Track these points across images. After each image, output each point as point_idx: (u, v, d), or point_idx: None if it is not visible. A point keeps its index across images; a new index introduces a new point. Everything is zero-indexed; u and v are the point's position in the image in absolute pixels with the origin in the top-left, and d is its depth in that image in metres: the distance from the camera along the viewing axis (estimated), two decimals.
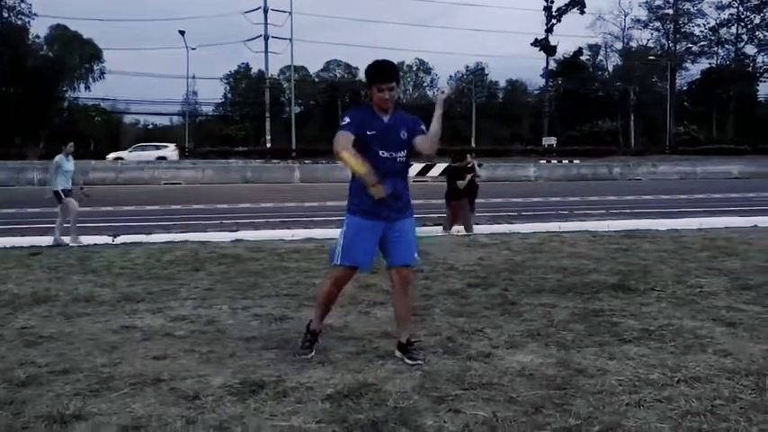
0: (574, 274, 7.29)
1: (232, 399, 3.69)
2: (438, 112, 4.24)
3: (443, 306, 5.85)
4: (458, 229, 12.17)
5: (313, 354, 4.40)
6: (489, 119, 79.19)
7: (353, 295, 6.02)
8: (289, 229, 12.08)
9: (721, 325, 5.16)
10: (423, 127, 4.37)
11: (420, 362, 4.23)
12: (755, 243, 9.62)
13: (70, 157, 11.15)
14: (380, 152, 4.24)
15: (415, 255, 4.45)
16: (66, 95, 72.77)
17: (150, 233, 11.68)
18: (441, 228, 12.30)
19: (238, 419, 3.41)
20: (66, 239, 10.62)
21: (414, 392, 3.76)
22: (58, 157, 11.10)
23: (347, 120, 4.24)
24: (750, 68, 78.24)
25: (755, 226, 12.15)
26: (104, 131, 73.50)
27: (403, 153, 4.33)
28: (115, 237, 11.10)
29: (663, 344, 4.67)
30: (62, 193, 10.82)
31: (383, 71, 4.28)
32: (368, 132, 4.21)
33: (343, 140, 4.13)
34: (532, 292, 6.45)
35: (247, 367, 4.23)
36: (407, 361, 4.26)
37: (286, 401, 3.65)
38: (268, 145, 59.83)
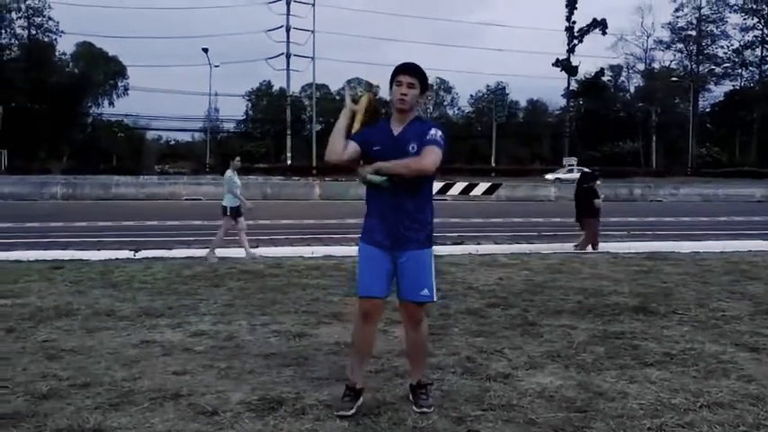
0: (594, 296, 7.24)
1: (251, 415, 3.69)
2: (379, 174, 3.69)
3: (462, 326, 5.82)
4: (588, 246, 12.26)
5: (354, 411, 3.73)
6: (509, 138, 79.19)
7: None
8: (308, 245, 12.11)
9: (744, 350, 5.09)
10: (430, 139, 3.73)
11: (426, 410, 3.77)
12: None
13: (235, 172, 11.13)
14: None
15: (426, 291, 3.85)
16: (91, 111, 73.92)
17: (171, 248, 11.75)
18: (574, 245, 12.39)
19: None
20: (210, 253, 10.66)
21: (433, 413, 3.74)
22: (229, 173, 11.06)
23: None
24: None
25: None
26: (127, 147, 74.32)
27: None
28: (136, 251, 11.17)
29: (685, 368, 4.61)
30: (228, 210, 10.97)
31: (405, 65, 3.83)
32: (373, 147, 3.77)
33: (333, 134, 3.83)
34: (552, 313, 6.41)
35: (266, 384, 4.23)
36: (414, 408, 3.82)
37: (305, 419, 3.65)
38: (289, 162, 60.14)
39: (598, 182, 12.77)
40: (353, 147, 3.82)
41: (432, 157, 3.70)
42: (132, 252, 11.16)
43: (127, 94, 76.56)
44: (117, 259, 10.24)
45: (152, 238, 13.98)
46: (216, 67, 67.17)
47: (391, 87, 3.83)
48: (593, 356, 4.89)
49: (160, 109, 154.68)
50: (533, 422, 3.61)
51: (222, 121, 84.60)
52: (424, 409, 3.79)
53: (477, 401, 3.91)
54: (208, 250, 10.69)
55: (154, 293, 7.29)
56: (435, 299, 3.97)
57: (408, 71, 3.79)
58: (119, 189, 34.90)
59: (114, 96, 76.35)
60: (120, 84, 76.14)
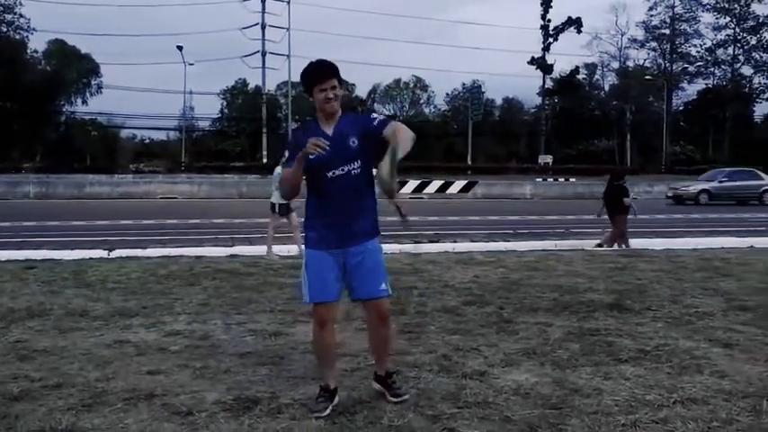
0: (569, 293, 7.28)
1: (226, 415, 3.66)
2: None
3: (438, 324, 5.83)
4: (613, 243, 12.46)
5: (328, 411, 3.71)
6: (485, 137, 79.43)
7: (348, 312, 5.99)
8: (284, 244, 12.05)
9: (718, 346, 5.14)
10: (378, 117, 3.84)
11: (405, 397, 3.88)
12: (752, 264, 9.62)
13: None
14: (328, 174, 3.73)
15: (384, 285, 3.85)
16: (64, 110, 72.99)
17: (145, 248, 11.65)
18: (597, 243, 12.56)
19: None
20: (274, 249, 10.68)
21: (408, 411, 3.73)
22: (278, 169, 10.73)
23: (286, 154, 3.80)
24: (746, 89, 78.58)
25: (752, 247, 12.16)
26: (101, 146, 73.57)
27: (356, 164, 3.75)
28: (110, 251, 11.06)
29: (659, 364, 4.65)
30: (286, 207, 10.84)
31: (319, 69, 3.75)
32: (309, 157, 3.60)
33: (287, 181, 3.80)
34: (528, 310, 6.43)
35: (241, 383, 4.21)
36: (391, 398, 3.87)
37: (280, 418, 3.63)
38: (264, 160, 59.89)
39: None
40: (299, 172, 3.74)
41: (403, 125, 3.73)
42: (106, 251, 11.04)
43: (100, 92, 75.77)
44: (90, 259, 10.12)
45: (126, 238, 13.87)
46: (190, 65, 66.70)
47: (311, 93, 3.78)
48: (568, 353, 4.91)
49: (134, 107, 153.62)
50: (509, 419, 3.62)
51: (197, 119, 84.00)
52: (404, 397, 3.87)
53: (453, 399, 3.91)
54: (266, 249, 10.67)
55: (128, 293, 7.22)
56: (390, 292, 3.95)
57: (326, 74, 3.74)
58: (93, 188, 34.62)
59: (88, 95, 75.54)
60: (93, 82, 75.31)
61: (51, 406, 3.78)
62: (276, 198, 10.92)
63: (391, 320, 4.12)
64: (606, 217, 12.81)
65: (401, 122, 3.83)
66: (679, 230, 15.93)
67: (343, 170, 3.73)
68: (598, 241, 12.69)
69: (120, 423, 3.54)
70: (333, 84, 3.73)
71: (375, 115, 3.82)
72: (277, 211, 10.99)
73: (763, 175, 32.78)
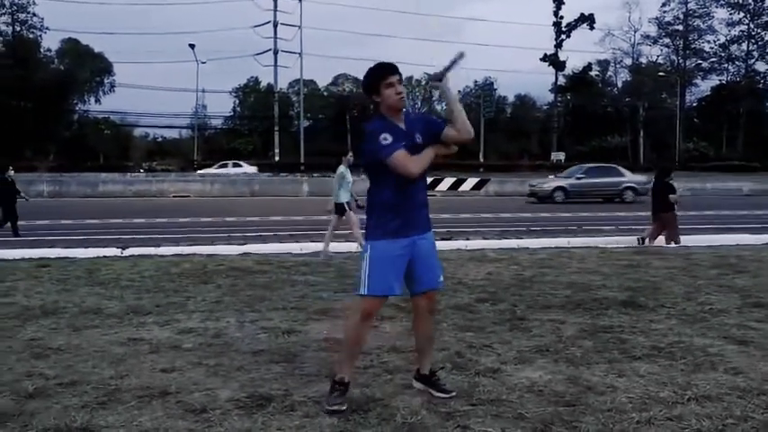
0: (583, 290, 7.25)
1: (239, 412, 3.67)
2: (450, 100, 3.83)
3: (452, 321, 5.82)
4: (661, 240, 12.49)
5: (346, 407, 3.72)
6: (497, 133, 79.23)
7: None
8: (297, 242, 12.08)
9: (732, 343, 5.11)
10: (441, 122, 3.92)
11: (453, 393, 3.92)
12: (767, 261, 9.56)
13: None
14: None
15: (441, 278, 4.02)
16: (77, 109, 73.33)
17: (159, 246, 11.70)
18: (639, 238, 12.58)
19: None
20: (327, 249, 10.53)
21: (422, 408, 3.73)
22: (342, 168, 10.79)
23: (386, 137, 3.69)
24: (761, 85, 78.05)
25: (767, 244, 12.08)
26: (114, 145, 73.88)
27: None
28: (124, 249, 11.11)
29: (673, 361, 4.63)
30: (346, 206, 10.71)
31: (386, 65, 3.83)
32: (402, 143, 3.72)
33: (406, 160, 3.69)
34: (541, 307, 6.42)
35: (255, 381, 4.22)
36: (439, 394, 3.91)
37: (294, 415, 3.63)
38: (276, 158, 60.01)
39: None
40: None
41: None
42: (120, 250, 11.10)
43: (113, 91, 75.99)
44: (104, 257, 10.19)
45: (139, 236, 13.94)
46: (203, 63, 66.76)
47: (377, 91, 3.80)
48: (581, 350, 4.89)
49: (147, 106, 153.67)
50: (522, 417, 3.61)
51: (209, 117, 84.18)
52: (452, 393, 3.91)
53: (467, 397, 3.90)
54: (322, 246, 10.59)
55: (141, 291, 7.25)
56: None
57: (395, 71, 3.81)
58: (106, 186, 34.82)
59: (101, 93, 75.78)
60: (106, 81, 75.55)
61: (66, 404, 3.80)
62: (343, 197, 10.69)
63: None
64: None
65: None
66: (693, 227, 15.80)
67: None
68: (640, 236, 12.70)
69: (135, 421, 3.55)
70: (400, 79, 3.82)
71: (432, 117, 3.97)
72: (335, 210, 10.72)
73: (624, 171, 31.53)
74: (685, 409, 3.72)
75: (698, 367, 4.49)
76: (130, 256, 10.44)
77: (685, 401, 3.82)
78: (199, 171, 47.84)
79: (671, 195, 12.55)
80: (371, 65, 3.88)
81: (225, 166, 48.51)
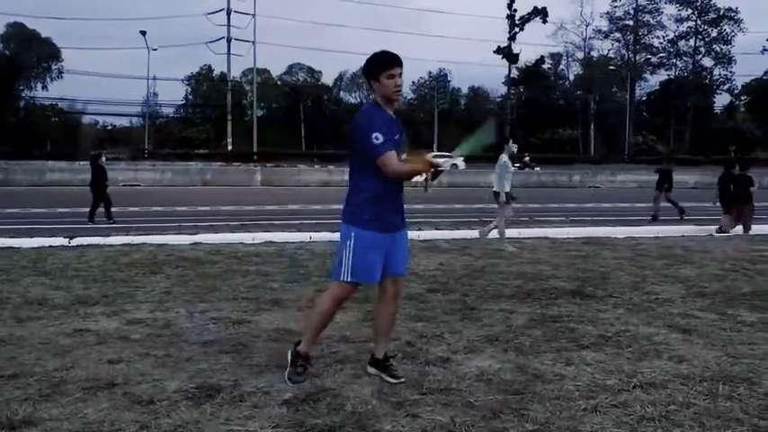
0: (533, 280, 7.34)
1: (188, 403, 3.63)
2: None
3: (403, 311, 5.81)
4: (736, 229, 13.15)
5: (306, 380, 3.97)
6: (451, 125, 79.59)
7: (312, 299, 5.98)
8: (249, 232, 11.98)
9: (676, 331, 5.23)
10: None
11: (403, 380, 3.98)
12: (711, 252, 9.80)
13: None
14: (401, 157, 3.92)
15: (408, 264, 4.17)
16: (23, 95, 71.44)
17: (107, 235, 11.48)
18: (715, 229, 13.08)
19: (194, 424, 3.36)
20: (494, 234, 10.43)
21: (372, 397, 3.74)
22: (504, 158, 10.48)
23: (377, 136, 3.73)
24: (707, 80, 79.96)
25: (711, 235, 12.38)
26: (62, 132, 72.18)
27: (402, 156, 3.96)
28: (71, 238, 10.88)
29: (619, 350, 4.72)
30: (504, 195, 10.40)
31: (391, 55, 3.83)
32: (395, 137, 3.83)
33: (393, 163, 3.78)
34: (492, 297, 6.48)
35: (204, 371, 4.17)
36: (389, 380, 3.98)
37: (243, 406, 3.61)
38: (229, 148, 59.41)
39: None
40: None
41: None
42: (67, 239, 10.85)
43: (61, 77, 74.10)
44: (50, 247, 9.95)
45: (88, 225, 13.65)
46: (154, 50, 65.81)
47: (377, 79, 3.82)
48: (530, 340, 4.96)
49: (97, 93, 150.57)
50: (472, 405, 3.64)
51: (161, 105, 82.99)
52: (401, 379, 3.97)
53: (417, 386, 3.92)
54: (498, 237, 10.42)
55: (89, 281, 7.12)
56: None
57: (400, 63, 3.83)
58: (53, 175, 34.01)
59: (48, 80, 73.95)
60: (53, 66, 73.70)
61: (7, 396, 3.71)
62: (508, 186, 10.42)
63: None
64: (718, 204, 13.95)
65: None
66: (641, 219, 16.09)
67: (400, 158, 3.90)
68: (717, 226, 13.21)
69: (80, 413, 3.49)
70: (401, 72, 3.83)
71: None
72: (504, 199, 10.47)
73: None
74: (631, 396, 3.79)
75: (643, 355, 4.59)
76: (78, 245, 10.21)
77: (631, 389, 3.90)
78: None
79: (752, 188, 13.35)
80: (378, 51, 3.88)
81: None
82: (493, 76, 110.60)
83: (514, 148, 10.85)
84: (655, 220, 15.52)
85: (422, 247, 9.92)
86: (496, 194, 10.63)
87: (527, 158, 51.43)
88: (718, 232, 12.87)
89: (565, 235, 12.10)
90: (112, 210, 14.59)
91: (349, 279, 3.91)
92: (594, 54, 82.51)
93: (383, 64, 3.81)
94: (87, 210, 14.45)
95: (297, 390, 3.83)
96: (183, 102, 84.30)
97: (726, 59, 78.57)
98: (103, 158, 16.06)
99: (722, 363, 4.43)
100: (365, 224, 3.87)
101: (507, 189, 10.44)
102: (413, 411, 3.55)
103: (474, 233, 11.24)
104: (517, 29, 76.96)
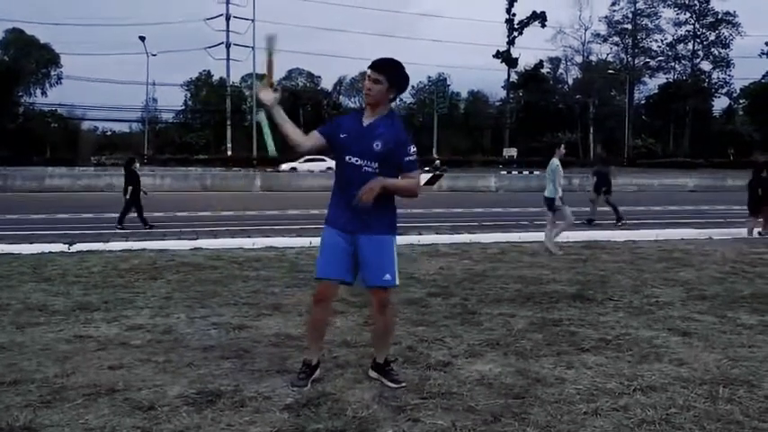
0: (533, 284, 7.35)
1: (188, 409, 3.63)
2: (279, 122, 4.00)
3: (403, 315, 5.84)
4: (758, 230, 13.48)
5: (308, 387, 3.95)
6: (451, 129, 79.78)
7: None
8: (249, 237, 11.97)
9: (676, 335, 5.24)
10: (409, 159, 3.89)
11: (404, 384, 4.01)
12: (710, 254, 9.81)
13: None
14: (347, 157, 3.90)
15: (388, 276, 3.93)
16: (22, 101, 71.51)
17: (108, 241, 11.48)
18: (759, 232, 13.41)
19: (195, 430, 3.36)
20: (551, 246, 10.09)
21: (373, 402, 3.74)
22: (556, 162, 10.25)
23: (321, 126, 4.11)
24: (705, 84, 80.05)
25: (710, 238, 12.39)
26: (61, 138, 72.27)
27: (374, 164, 3.84)
28: (71, 244, 10.87)
29: (620, 353, 4.72)
30: (561, 200, 10.13)
31: (374, 61, 3.95)
32: (340, 135, 3.94)
33: (301, 140, 3.99)
34: (492, 301, 6.48)
35: (204, 377, 4.17)
36: (390, 384, 4.00)
37: (243, 411, 3.61)
38: (229, 153, 59.45)
39: None
40: (316, 137, 4.02)
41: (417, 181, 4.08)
42: (66, 245, 10.84)
43: (60, 83, 74.40)
44: (50, 253, 9.94)
45: (88, 231, 13.64)
46: (153, 55, 66.05)
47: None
48: (531, 343, 4.96)
49: (96, 99, 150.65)
50: (473, 409, 3.64)
51: (160, 111, 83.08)
52: (401, 384, 4.00)
53: (418, 390, 3.93)
54: (548, 245, 10.18)
55: (89, 287, 7.11)
56: (397, 283, 4.06)
57: (374, 67, 3.92)
58: (53, 181, 34.01)
59: (47, 85, 74.17)
60: (53, 72, 73.92)
61: (8, 403, 3.71)
62: (560, 190, 10.18)
63: (394, 311, 4.35)
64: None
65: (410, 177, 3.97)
66: (641, 222, 16.10)
67: (358, 162, 3.89)
68: (759, 229, 13.44)
69: (80, 419, 3.49)
70: (376, 78, 3.89)
71: (412, 150, 3.92)
72: (560, 204, 10.20)
73: None
74: (631, 399, 3.80)
75: (644, 358, 4.59)
76: (78, 251, 10.21)
77: (631, 392, 3.91)
78: (283, 165, 46.05)
79: None
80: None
81: (313, 160, 46.61)
82: (492, 81, 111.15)
83: (564, 151, 10.69)
84: (590, 223, 15.17)
85: (422, 252, 9.92)
86: (550, 201, 10.30)
87: (437, 162, 51.25)
88: (760, 234, 13.25)
89: (564, 239, 12.09)
90: (144, 215, 14.64)
91: (315, 276, 4.09)
92: (593, 58, 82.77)
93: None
94: (88, 215, 14.45)
95: (298, 394, 3.83)
96: (183, 107, 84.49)
97: (724, 63, 78.72)
98: (137, 164, 16.03)
99: (722, 366, 4.44)
100: (327, 221, 4.08)
101: (560, 194, 10.18)
102: (414, 416, 3.55)
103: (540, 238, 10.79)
104: (516, 33, 77.23)
